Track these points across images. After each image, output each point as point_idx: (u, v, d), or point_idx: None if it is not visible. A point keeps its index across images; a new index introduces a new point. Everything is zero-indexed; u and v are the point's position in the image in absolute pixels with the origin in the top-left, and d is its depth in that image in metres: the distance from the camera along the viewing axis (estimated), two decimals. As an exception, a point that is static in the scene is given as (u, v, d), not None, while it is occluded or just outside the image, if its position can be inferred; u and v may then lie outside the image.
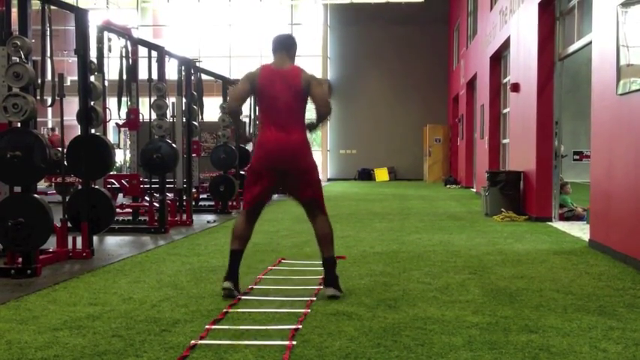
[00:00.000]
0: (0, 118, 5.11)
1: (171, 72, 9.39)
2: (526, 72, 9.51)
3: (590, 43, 6.80)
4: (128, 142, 10.91)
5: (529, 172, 9.28)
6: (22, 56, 5.11)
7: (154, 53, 8.63)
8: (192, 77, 9.97)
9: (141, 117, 8.91)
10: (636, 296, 4.19)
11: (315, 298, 4.10)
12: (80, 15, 5.92)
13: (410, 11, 23.42)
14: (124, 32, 8.49)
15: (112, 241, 7.03)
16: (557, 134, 8.74)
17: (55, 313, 3.77)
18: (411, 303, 3.98)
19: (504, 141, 12.88)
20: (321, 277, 4.78)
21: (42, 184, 11.14)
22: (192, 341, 3.17)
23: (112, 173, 8.52)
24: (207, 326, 3.45)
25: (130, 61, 8.54)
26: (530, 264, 5.43)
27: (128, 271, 5.15)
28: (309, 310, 3.79)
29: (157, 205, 8.02)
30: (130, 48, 8.47)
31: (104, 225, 6.36)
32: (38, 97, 5.66)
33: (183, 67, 9.48)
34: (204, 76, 11.24)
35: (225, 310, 3.81)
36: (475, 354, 2.97)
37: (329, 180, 24.15)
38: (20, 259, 5.01)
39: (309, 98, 4.28)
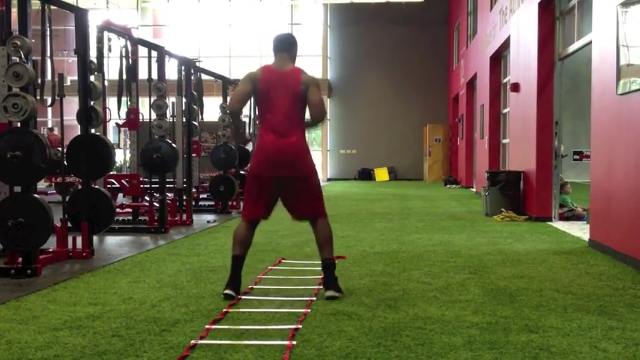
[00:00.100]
0: (0, 118, 5.11)
1: (171, 72, 9.39)
2: (526, 72, 9.51)
3: (590, 42, 6.80)
4: (128, 142, 10.91)
5: (529, 172, 9.28)
6: (22, 56, 5.11)
7: (154, 53, 8.63)
8: (192, 77, 9.97)
9: (141, 117, 8.90)
10: (636, 296, 4.19)
11: (315, 298, 4.10)
12: (80, 15, 5.92)
13: (410, 11, 23.42)
14: (124, 32, 8.48)
15: (112, 241, 7.03)
16: (557, 134, 8.74)
17: (55, 313, 3.77)
18: (411, 303, 3.98)
19: (504, 141, 12.89)
20: (321, 277, 4.79)
21: (42, 184, 11.15)
22: (192, 341, 3.17)
23: (112, 173, 8.52)
24: (207, 326, 3.45)
25: (130, 61, 8.54)
26: (530, 264, 5.43)
27: (128, 271, 5.15)
28: (309, 310, 3.79)
29: (157, 205, 8.02)
30: (129, 48, 8.47)
31: (104, 225, 6.36)
32: (38, 97, 5.65)
33: (183, 67, 9.48)
34: (204, 76, 11.23)
35: (225, 310, 3.81)
36: (475, 354, 2.97)
37: (329, 180, 24.16)
38: (20, 259, 5.01)
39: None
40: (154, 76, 8.57)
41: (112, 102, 9.57)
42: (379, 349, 3.04)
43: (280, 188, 4.25)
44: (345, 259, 5.64)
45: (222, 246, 6.58)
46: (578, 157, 9.63)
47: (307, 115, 4.37)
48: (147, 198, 8.96)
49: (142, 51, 8.83)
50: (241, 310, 3.85)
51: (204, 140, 14.39)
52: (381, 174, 23.85)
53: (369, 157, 24.24)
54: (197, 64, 10.60)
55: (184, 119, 9.50)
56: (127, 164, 13.79)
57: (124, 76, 8.59)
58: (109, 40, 8.15)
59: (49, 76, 5.92)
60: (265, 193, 4.24)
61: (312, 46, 23.24)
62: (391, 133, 24.19)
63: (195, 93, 10.10)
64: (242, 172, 12.09)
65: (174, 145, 8.35)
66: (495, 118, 13.51)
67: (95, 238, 6.31)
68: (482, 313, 3.71)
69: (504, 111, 12.94)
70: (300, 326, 3.43)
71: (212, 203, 11.07)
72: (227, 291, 4.15)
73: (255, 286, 4.51)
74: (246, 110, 11.47)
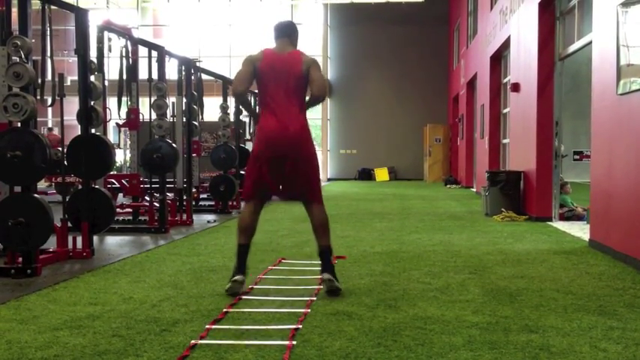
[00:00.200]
0: (0, 118, 5.11)
1: (172, 72, 9.39)
2: (526, 72, 9.51)
3: (591, 42, 6.80)
4: (128, 142, 10.91)
5: (529, 172, 9.28)
6: (23, 56, 5.11)
7: (154, 53, 8.63)
8: (193, 77, 9.97)
9: (141, 117, 8.91)
10: (636, 296, 4.19)
11: (315, 298, 4.10)
12: (80, 15, 5.92)
13: (410, 11, 23.42)
14: (124, 32, 8.48)
15: (112, 241, 7.03)
16: (557, 134, 8.74)
17: (55, 312, 3.77)
18: (411, 303, 3.98)
19: (504, 141, 12.89)
20: (321, 277, 4.79)
21: (42, 184, 11.15)
22: (193, 341, 3.17)
23: (112, 173, 8.51)
24: (207, 326, 3.45)
25: (130, 60, 8.54)
26: (531, 264, 5.43)
27: (128, 271, 5.15)
28: (309, 310, 3.79)
29: (157, 204, 8.02)
30: (130, 48, 8.47)
31: (104, 225, 6.35)
32: (38, 97, 5.66)
33: (183, 67, 9.48)
34: (204, 76, 11.24)
35: (225, 309, 3.81)
36: (475, 354, 2.97)
37: (329, 180, 24.16)
38: (20, 259, 5.01)
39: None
40: (154, 76, 8.57)
41: (112, 102, 9.57)
42: (379, 349, 3.04)
43: (280, 169, 4.25)
44: (345, 259, 5.64)
45: (222, 246, 6.58)
46: (578, 157, 9.63)
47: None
48: (147, 198, 8.96)
49: (142, 51, 8.83)
50: (241, 310, 3.85)
51: (204, 140, 14.40)
52: (381, 174, 23.85)
53: (370, 157, 24.24)
54: (197, 64, 10.60)
55: (184, 119, 9.50)
56: (127, 164, 13.79)
57: (124, 76, 8.59)
58: (110, 40, 8.16)
59: (49, 76, 5.92)
60: (265, 172, 4.25)
61: (312, 46, 23.24)
62: (391, 133, 24.19)
63: (195, 93, 10.10)
64: (242, 173, 12.10)
65: (174, 145, 8.35)
66: (495, 118, 13.51)
67: (95, 238, 6.31)
68: (483, 313, 3.71)
69: (504, 111, 12.94)
70: (300, 326, 3.43)
71: (212, 203, 11.07)
72: (236, 277, 4.20)
73: (255, 286, 4.51)
74: (244, 110, 11.50)
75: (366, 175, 24.13)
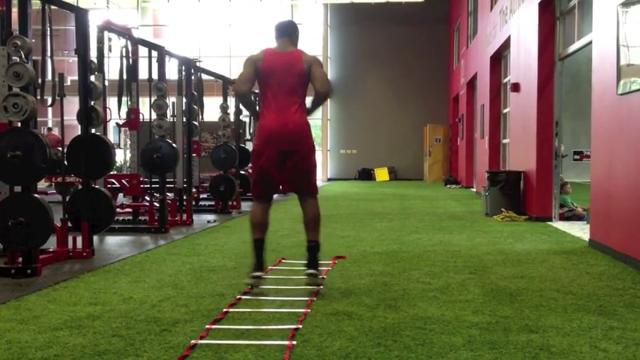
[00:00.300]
0: (0, 118, 5.11)
1: (172, 72, 9.39)
2: (526, 72, 9.51)
3: (591, 42, 6.80)
4: (128, 142, 10.91)
5: (529, 172, 9.28)
6: (23, 56, 5.11)
7: (154, 53, 8.63)
8: (193, 77, 9.97)
9: (141, 117, 8.91)
10: (636, 296, 4.19)
11: (315, 298, 4.10)
12: (80, 15, 5.92)
13: (410, 11, 23.42)
14: (124, 32, 8.49)
15: (112, 241, 7.03)
16: (557, 134, 8.74)
17: (55, 312, 3.77)
18: (411, 303, 3.98)
19: (504, 141, 12.88)
20: (321, 277, 4.79)
21: (42, 184, 11.15)
22: (193, 341, 3.17)
23: (112, 173, 8.52)
24: (207, 326, 3.45)
25: (130, 60, 8.54)
26: (531, 264, 5.43)
27: (128, 271, 5.15)
28: (309, 310, 3.79)
29: (157, 204, 8.02)
30: (130, 48, 8.47)
31: (104, 225, 6.36)
32: (38, 97, 5.66)
33: (183, 67, 9.48)
34: (204, 76, 11.24)
35: (225, 309, 3.81)
36: (475, 354, 2.97)
37: (329, 180, 24.16)
38: (20, 259, 5.01)
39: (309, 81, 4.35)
40: (155, 76, 8.57)
41: (112, 102, 9.57)
42: (379, 349, 3.04)
43: (281, 162, 4.31)
44: (345, 259, 5.64)
45: (222, 246, 6.58)
46: (578, 157, 9.64)
47: (309, 104, 4.42)
48: (147, 198, 8.96)
49: (143, 51, 8.83)
50: (241, 310, 3.85)
51: (204, 140, 14.40)
52: (382, 174, 23.85)
53: (370, 157, 24.24)
54: (197, 64, 10.61)
55: (184, 119, 9.50)
56: (127, 164, 13.79)
57: (125, 76, 8.59)
58: (110, 40, 8.16)
59: (49, 76, 5.92)
60: (267, 167, 4.31)
61: (312, 46, 23.23)
62: (391, 133, 24.19)
63: (195, 93, 10.10)
64: (242, 173, 12.10)
65: (174, 145, 8.35)
66: (495, 118, 13.51)
67: (95, 238, 6.31)
68: (483, 313, 3.71)
69: (504, 111, 12.94)
70: (300, 326, 3.43)
71: (212, 203, 11.07)
72: (256, 273, 4.28)
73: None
74: (245, 110, 11.50)
75: (366, 175, 24.13)
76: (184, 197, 9.25)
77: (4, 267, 4.99)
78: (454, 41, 22.34)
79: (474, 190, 16.32)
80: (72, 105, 6.58)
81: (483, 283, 4.59)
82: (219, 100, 11.56)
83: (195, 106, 10.08)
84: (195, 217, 9.22)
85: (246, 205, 11.65)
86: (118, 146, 15.56)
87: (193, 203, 9.74)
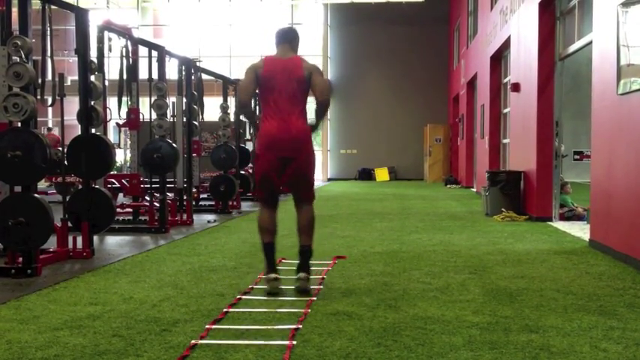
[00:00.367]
0: (0, 118, 5.11)
1: (172, 72, 9.39)
2: (526, 72, 9.51)
3: (591, 42, 6.80)
4: (128, 142, 10.91)
5: (529, 172, 9.28)
6: (23, 56, 5.11)
7: (155, 53, 8.63)
8: (193, 77, 9.97)
9: (141, 117, 8.91)
10: (636, 296, 4.19)
11: (315, 298, 4.10)
12: (80, 15, 5.92)
13: (410, 11, 23.41)
14: (124, 32, 8.48)
15: (113, 241, 7.03)
16: (557, 134, 8.74)
17: (56, 312, 3.77)
18: (412, 303, 3.98)
19: (505, 141, 12.88)
20: (321, 277, 4.79)
21: (42, 184, 11.15)
22: (193, 341, 3.17)
23: (112, 173, 8.52)
24: (207, 326, 3.45)
25: (131, 60, 8.54)
26: (531, 264, 5.43)
27: (128, 271, 5.15)
28: (309, 310, 3.79)
29: (157, 204, 8.02)
30: (130, 48, 8.47)
31: (104, 225, 6.36)
32: (39, 97, 5.66)
33: (183, 67, 9.48)
34: (204, 76, 11.24)
35: (225, 309, 3.82)
36: (475, 354, 2.97)
37: (329, 180, 24.16)
38: (20, 259, 5.01)
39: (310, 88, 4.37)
40: (155, 75, 8.57)
41: (112, 102, 9.56)
42: (379, 349, 3.04)
43: (281, 168, 4.33)
44: (345, 259, 5.64)
45: (222, 246, 6.58)
46: (578, 157, 9.63)
47: (311, 113, 4.42)
48: (147, 198, 8.96)
49: (143, 51, 8.83)
50: (241, 309, 3.85)
51: (204, 140, 14.39)
52: (382, 174, 23.85)
53: (370, 157, 24.23)
54: (197, 63, 10.60)
55: (185, 119, 9.50)
56: (128, 164, 13.78)
57: (125, 76, 8.59)
58: (110, 39, 8.16)
59: (49, 76, 5.93)
60: (268, 172, 4.33)
61: (313, 46, 23.23)
62: (391, 133, 24.19)
63: (195, 93, 10.10)
64: (242, 173, 12.10)
65: (174, 144, 8.35)
66: (496, 118, 13.51)
67: (95, 238, 6.32)
68: (483, 313, 3.71)
69: (505, 111, 12.94)
70: (301, 326, 3.44)
71: (212, 203, 11.07)
72: (271, 275, 4.28)
73: (255, 286, 4.51)
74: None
75: (366, 175, 24.13)
76: (184, 197, 9.25)
77: (5, 267, 4.99)
78: (454, 41, 22.34)
79: (474, 190, 16.32)
80: (72, 105, 6.58)
81: (483, 283, 4.59)
82: (220, 99, 11.56)
83: (195, 106, 10.08)
84: (195, 217, 9.22)
85: (246, 205, 11.66)
86: (118, 146, 15.55)
87: (193, 203, 9.74)
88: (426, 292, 4.31)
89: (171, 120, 9.28)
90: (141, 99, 9.10)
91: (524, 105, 9.62)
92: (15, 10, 5.29)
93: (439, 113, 23.74)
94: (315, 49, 23.57)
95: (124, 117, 8.83)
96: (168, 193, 8.29)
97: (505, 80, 12.86)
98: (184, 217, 8.83)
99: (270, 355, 2.97)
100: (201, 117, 11.18)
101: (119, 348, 3.08)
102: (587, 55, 7.08)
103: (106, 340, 3.20)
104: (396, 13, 23.59)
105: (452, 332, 3.32)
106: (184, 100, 9.51)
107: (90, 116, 6.10)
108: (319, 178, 23.26)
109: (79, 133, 6.26)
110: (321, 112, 4.46)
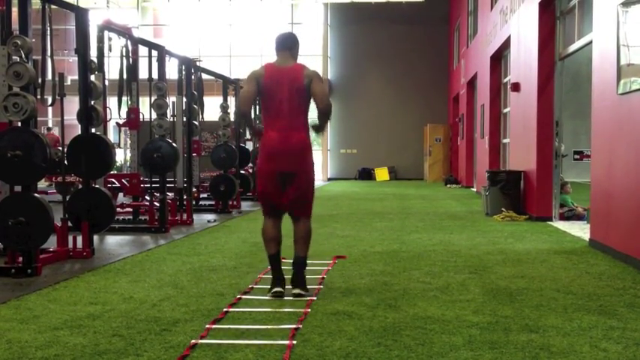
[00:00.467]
0: (0, 118, 5.11)
1: (172, 71, 9.39)
2: (526, 71, 9.51)
3: (591, 42, 6.80)
4: (128, 142, 10.91)
5: (529, 172, 9.28)
6: (23, 55, 5.11)
7: (155, 53, 8.63)
8: (193, 77, 9.97)
9: (141, 116, 8.91)
10: (636, 296, 4.19)
11: (315, 298, 4.11)
12: (80, 14, 5.92)
13: (410, 11, 23.42)
14: (124, 32, 8.48)
15: (113, 241, 7.03)
16: (557, 134, 8.74)
17: (56, 312, 3.77)
18: (412, 302, 3.98)
19: (505, 140, 12.88)
20: (321, 276, 4.80)
21: (42, 184, 11.15)
22: (193, 340, 3.17)
23: (112, 172, 8.52)
24: (207, 325, 3.45)
25: (131, 60, 8.54)
26: (531, 264, 5.43)
27: (128, 271, 5.15)
28: (309, 310, 3.79)
29: (157, 204, 8.02)
30: (130, 47, 8.47)
31: (104, 224, 6.35)
32: (39, 97, 5.65)
33: (183, 67, 9.48)
34: (204, 76, 11.24)
35: (225, 309, 3.82)
36: (475, 353, 2.97)
37: (329, 179, 24.16)
38: (21, 259, 5.01)
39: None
40: (155, 75, 8.57)
41: (112, 101, 9.57)
42: (379, 349, 3.04)
43: (281, 185, 4.30)
44: (345, 259, 5.64)
45: (222, 246, 6.58)
46: (578, 156, 9.62)
47: (312, 121, 4.41)
48: (147, 197, 8.96)
49: (143, 50, 8.83)
50: (241, 309, 3.85)
51: (204, 140, 14.40)
52: (382, 174, 23.84)
53: (370, 156, 24.23)
54: (197, 63, 10.60)
55: (185, 119, 9.50)
56: (128, 164, 13.79)
57: (125, 76, 8.59)
58: (110, 39, 8.16)
59: (49, 76, 5.93)
60: (267, 186, 4.31)
61: (313, 45, 23.22)
62: (392, 133, 24.19)
63: (195, 92, 10.10)
64: (242, 172, 12.10)
65: (174, 144, 8.35)
66: (496, 118, 13.51)
67: (95, 238, 6.32)
68: (483, 313, 3.71)
69: (505, 111, 12.93)
70: (301, 326, 3.44)
71: (212, 203, 11.07)
72: (275, 289, 4.21)
73: (255, 286, 4.52)
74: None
75: (367, 174, 24.13)
76: (184, 197, 9.25)
77: (5, 267, 4.99)
78: (454, 41, 22.34)
79: (474, 189, 16.32)
80: (72, 105, 6.58)
81: (483, 283, 4.59)
82: (219, 99, 11.56)
83: (195, 106, 10.08)
84: (195, 216, 9.22)
85: (246, 205, 11.66)
86: (118, 146, 15.54)
87: (193, 203, 9.74)
88: (426, 291, 4.31)
89: (171, 120, 9.28)
90: (141, 99, 9.11)
91: (524, 105, 9.62)
92: (15, 10, 5.29)
93: (439, 113, 23.74)
94: (315, 48, 23.57)
95: (124, 117, 8.83)
96: (168, 193, 8.29)
97: (505, 80, 12.85)
98: (184, 216, 8.83)
99: (270, 354, 2.97)
100: (201, 117, 11.18)
101: (119, 347, 3.08)
102: (587, 54, 7.08)
103: (106, 340, 3.20)
104: (396, 13, 23.60)
105: (452, 332, 3.32)
106: (184, 99, 9.51)
107: (90, 116, 6.10)
108: (319, 178, 23.25)
109: (79, 132, 6.26)
110: (322, 121, 4.42)
